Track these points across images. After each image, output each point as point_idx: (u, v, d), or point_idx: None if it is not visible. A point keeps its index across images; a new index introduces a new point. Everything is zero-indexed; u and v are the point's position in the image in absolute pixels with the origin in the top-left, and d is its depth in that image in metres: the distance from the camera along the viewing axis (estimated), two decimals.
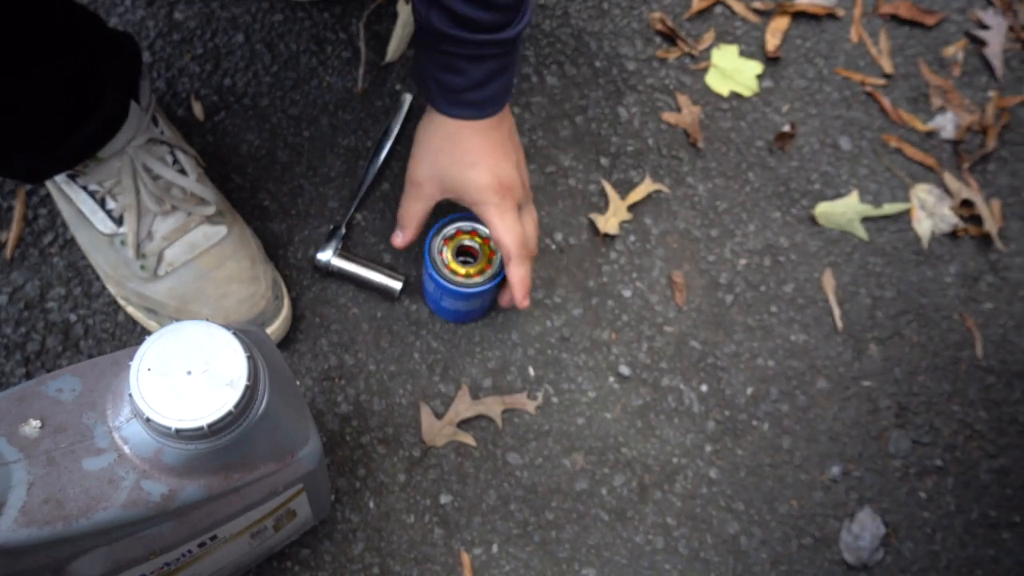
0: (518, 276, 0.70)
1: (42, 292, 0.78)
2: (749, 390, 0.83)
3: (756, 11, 0.98)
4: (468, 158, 0.69)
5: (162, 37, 0.88)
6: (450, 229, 0.75)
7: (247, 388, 0.44)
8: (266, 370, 0.47)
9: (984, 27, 1.01)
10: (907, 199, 0.92)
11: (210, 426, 0.44)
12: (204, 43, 0.89)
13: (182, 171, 0.72)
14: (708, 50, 0.96)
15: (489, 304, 0.80)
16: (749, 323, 0.86)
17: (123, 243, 0.70)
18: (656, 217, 0.88)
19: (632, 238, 0.87)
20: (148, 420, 0.43)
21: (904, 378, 0.86)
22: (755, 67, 0.95)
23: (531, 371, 0.81)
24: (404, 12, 0.92)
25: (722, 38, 0.97)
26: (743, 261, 0.88)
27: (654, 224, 0.88)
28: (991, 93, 0.98)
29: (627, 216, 0.87)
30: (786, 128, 0.93)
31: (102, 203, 0.69)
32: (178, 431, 0.43)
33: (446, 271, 0.74)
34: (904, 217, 0.92)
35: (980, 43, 1.00)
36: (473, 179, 0.69)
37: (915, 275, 0.90)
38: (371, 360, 0.80)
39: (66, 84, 0.61)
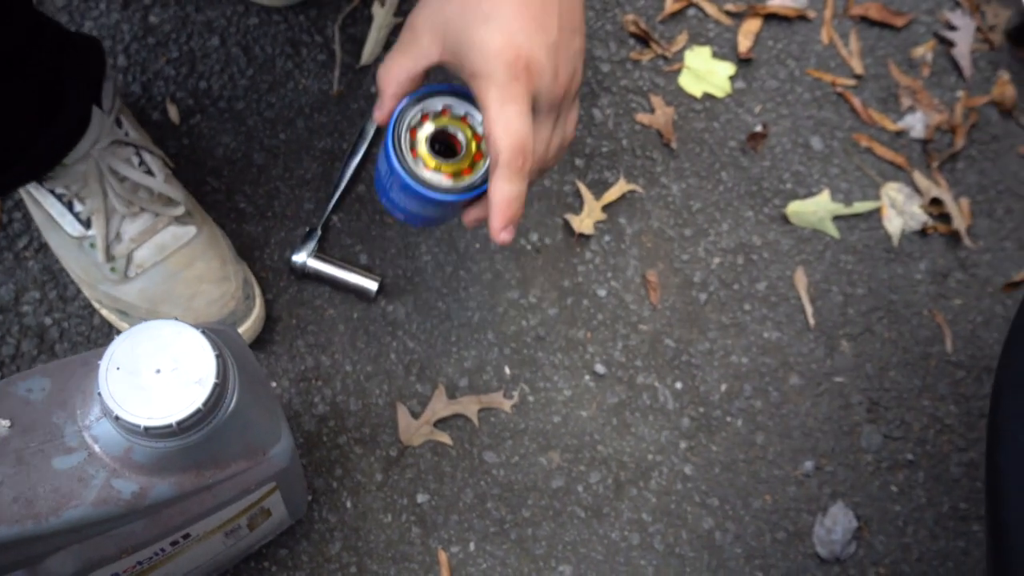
0: (501, 194, 0.50)
1: (17, 296, 0.78)
2: (723, 387, 0.84)
3: (728, 13, 0.99)
4: (483, 8, 0.50)
5: (137, 40, 0.88)
6: (435, 103, 0.55)
7: (216, 386, 0.45)
8: (235, 368, 0.47)
9: (952, 28, 1.02)
10: (877, 198, 0.93)
11: (179, 424, 0.44)
12: (179, 46, 0.89)
13: (149, 172, 0.72)
14: (681, 52, 0.97)
15: (452, 218, 0.61)
16: (723, 321, 0.87)
17: (92, 246, 0.70)
18: (630, 217, 0.89)
19: (607, 238, 0.88)
20: (117, 418, 0.43)
21: (875, 374, 0.87)
22: (727, 68, 0.97)
23: (507, 370, 0.82)
24: (379, 15, 0.92)
25: (695, 40, 0.98)
26: (716, 260, 0.89)
27: (628, 224, 0.89)
28: (959, 93, 1.00)
29: (602, 216, 0.88)
30: (758, 128, 0.94)
31: (69, 206, 0.70)
32: (147, 429, 0.44)
33: (410, 156, 0.54)
34: (875, 215, 0.93)
35: (948, 44, 1.02)
36: (480, 39, 0.49)
37: (886, 272, 0.91)
38: (347, 361, 0.80)
39: (25, 95, 0.61)
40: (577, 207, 0.88)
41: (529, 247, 0.87)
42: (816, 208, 0.92)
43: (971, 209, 0.95)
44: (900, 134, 0.97)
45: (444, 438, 0.79)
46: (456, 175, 0.55)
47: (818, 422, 0.84)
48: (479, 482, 0.78)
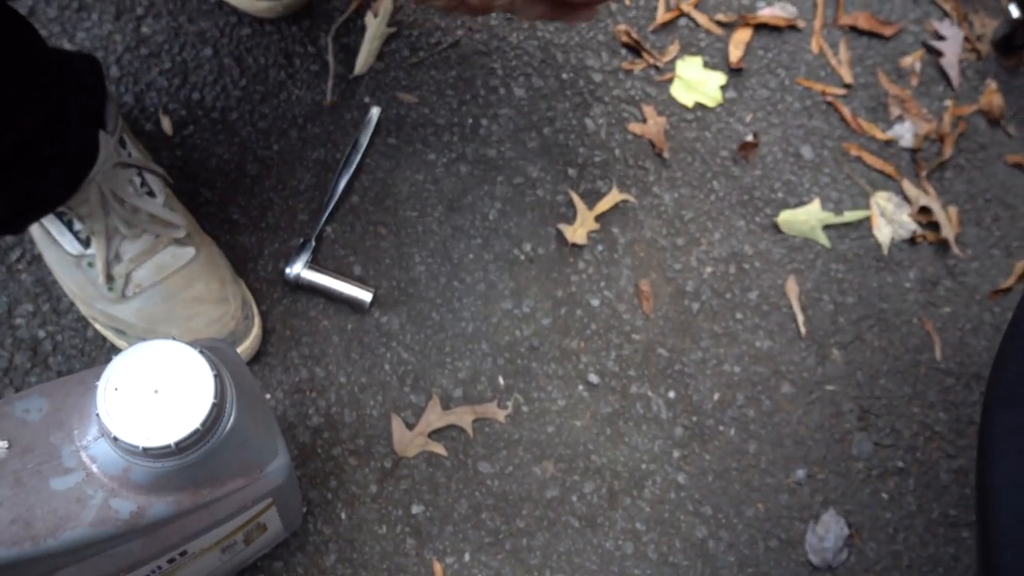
0: None
1: (10, 308, 0.78)
2: (716, 396, 0.85)
3: (719, 23, 1.00)
4: None
5: (130, 51, 0.88)
6: None
7: (214, 406, 0.45)
8: (233, 387, 0.47)
9: (940, 38, 1.03)
10: (867, 206, 0.94)
11: (177, 444, 0.44)
12: (172, 57, 0.89)
13: (150, 192, 0.72)
14: (673, 62, 0.97)
15: None
16: (715, 330, 0.87)
17: (91, 265, 0.70)
18: (623, 227, 0.90)
19: (600, 248, 0.88)
20: (116, 439, 0.44)
21: (866, 382, 0.88)
22: (719, 78, 0.97)
23: (501, 380, 0.82)
24: (372, 25, 0.93)
25: (686, 50, 0.98)
26: (709, 269, 0.89)
27: (621, 233, 0.89)
28: (947, 102, 1.01)
29: (595, 226, 0.89)
30: (749, 138, 0.95)
31: (69, 225, 0.69)
32: (146, 449, 0.44)
33: None
34: (865, 224, 0.94)
35: (936, 53, 1.03)
36: None
37: (876, 281, 0.92)
38: (342, 372, 0.80)
39: (33, 133, 0.59)
40: (570, 217, 0.89)
41: (523, 257, 0.87)
42: (807, 217, 0.92)
43: (959, 217, 0.96)
44: (889, 143, 0.98)
45: (439, 449, 0.79)
46: None
47: (810, 430, 0.85)
48: (474, 492, 0.78)
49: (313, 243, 0.83)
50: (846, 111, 0.98)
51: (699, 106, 0.96)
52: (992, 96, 1.01)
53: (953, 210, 0.96)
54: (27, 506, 0.44)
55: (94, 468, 0.46)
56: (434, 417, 0.80)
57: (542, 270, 0.87)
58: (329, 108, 0.89)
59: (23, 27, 0.57)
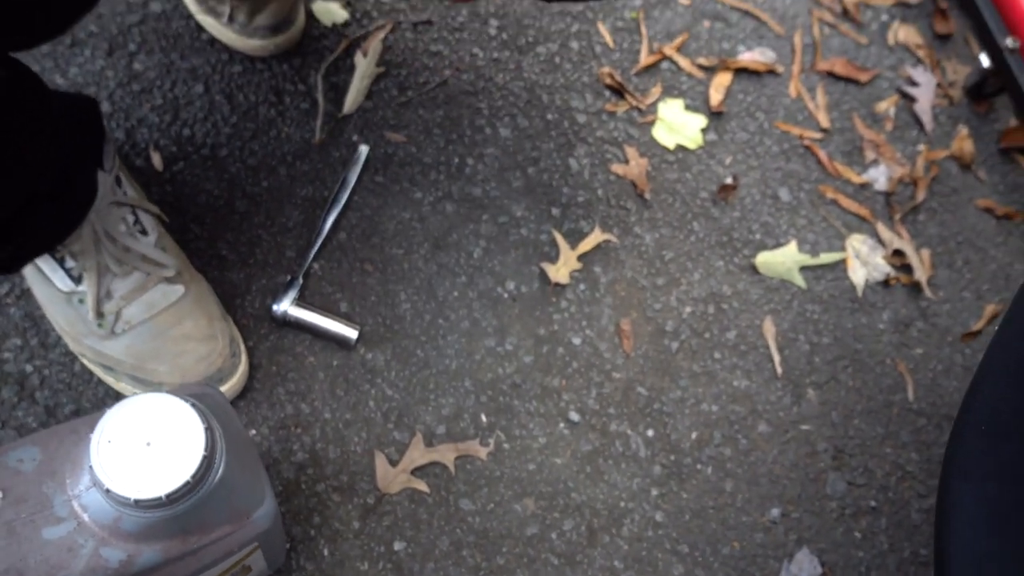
0: None
1: None
2: (694, 435, 0.87)
3: (701, 67, 1.03)
4: None
5: (122, 87, 0.90)
6: None
7: (204, 458, 0.46)
8: (222, 438, 0.49)
9: (914, 84, 1.06)
10: (843, 249, 0.97)
11: (168, 496, 0.45)
12: (164, 93, 0.90)
13: (143, 231, 0.73)
14: (655, 104, 1.00)
15: None
16: (694, 369, 0.89)
17: (81, 301, 0.71)
18: (605, 266, 0.92)
19: (582, 287, 0.90)
20: (108, 491, 0.45)
21: (840, 421, 0.90)
22: (700, 121, 1.00)
23: (483, 418, 0.84)
24: (362, 64, 0.94)
25: (668, 92, 1.01)
26: (688, 309, 0.91)
27: (603, 273, 0.91)
28: (921, 146, 1.04)
29: (577, 265, 0.91)
30: (729, 180, 0.97)
31: (61, 262, 0.70)
32: (137, 501, 0.45)
33: None
34: (840, 266, 0.96)
35: (910, 99, 1.06)
36: None
37: (850, 322, 0.94)
38: (327, 408, 0.82)
39: (34, 176, 0.60)
40: (553, 256, 0.91)
41: (506, 295, 0.89)
42: (784, 259, 0.95)
43: (932, 260, 0.98)
44: (864, 186, 1.01)
45: (421, 486, 0.80)
46: None
47: (785, 469, 0.87)
48: (455, 529, 0.80)
49: (300, 280, 0.84)
50: (823, 155, 1.01)
51: (680, 148, 0.98)
52: (964, 141, 1.04)
53: (926, 253, 0.98)
54: (20, 555, 0.45)
55: (85, 517, 0.47)
56: (417, 454, 0.81)
57: (525, 308, 0.88)
58: (318, 146, 0.91)
59: (27, 77, 0.58)
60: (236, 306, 0.83)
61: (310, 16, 0.96)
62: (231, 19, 0.89)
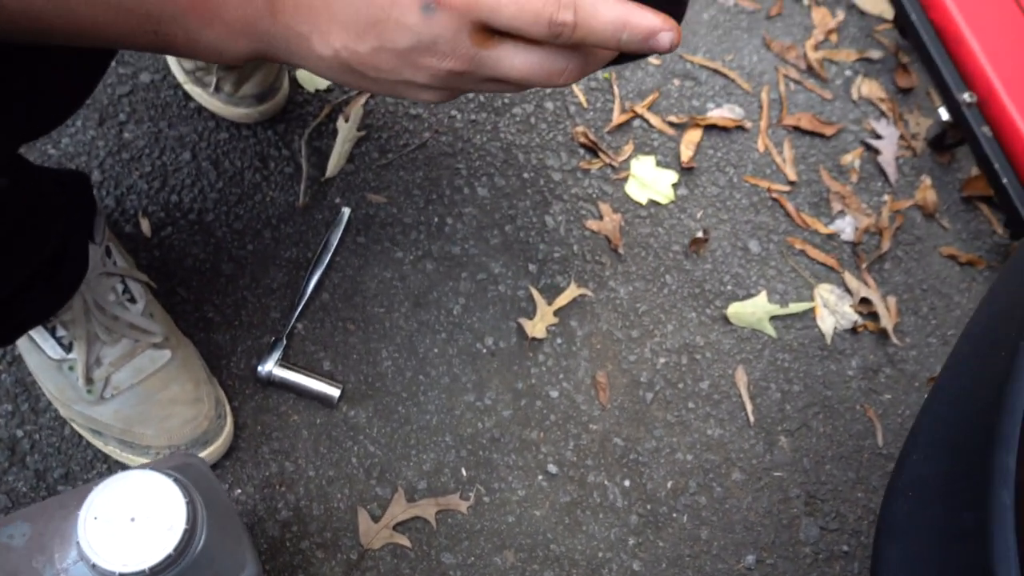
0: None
1: None
2: (669, 484, 0.89)
3: (671, 124, 1.07)
4: None
5: (112, 156, 0.93)
6: None
7: (186, 531, 0.48)
8: (204, 510, 0.51)
9: (878, 136, 1.10)
10: (811, 298, 1.00)
11: (151, 569, 0.47)
12: (152, 161, 0.94)
13: (131, 299, 0.75)
14: (627, 161, 1.04)
15: None
16: (668, 419, 0.92)
17: (71, 368, 0.74)
18: (581, 320, 0.95)
19: (559, 341, 0.93)
20: (94, 565, 0.47)
21: (812, 467, 0.92)
22: (671, 176, 1.03)
23: (464, 472, 0.86)
24: (344, 129, 0.98)
25: (640, 149, 1.05)
26: (662, 360, 0.94)
27: (579, 327, 0.94)
28: (886, 197, 1.07)
29: (553, 320, 0.94)
30: (700, 233, 1.00)
31: (52, 331, 0.73)
32: (122, 575, 0.47)
33: None
34: (809, 315, 0.99)
35: (875, 151, 1.10)
36: None
37: (820, 369, 0.97)
38: (311, 466, 0.84)
39: (27, 255, 0.62)
40: (530, 311, 0.94)
41: (485, 351, 0.91)
42: (754, 309, 0.98)
43: (898, 307, 1.02)
44: (831, 236, 1.04)
45: (403, 540, 0.82)
46: None
47: (759, 516, 0.89)
48: None
49: (284, 340, 0.87)
50: (790, 207, 1.04)
51: (652, 203, 1.02)
52: (927, 191, 1.08)
53: (892, 300, 1.01)
54: None
55: None
56: (399, 509, 0.83)
57: (503, 363, 0.91)
58: (302, 209, 0.94)
59: (23, 166, 0.61)
60: (222, 367, 0.86)
61: (294, 83, 1.00)
62: (218, 89, 0.93)
